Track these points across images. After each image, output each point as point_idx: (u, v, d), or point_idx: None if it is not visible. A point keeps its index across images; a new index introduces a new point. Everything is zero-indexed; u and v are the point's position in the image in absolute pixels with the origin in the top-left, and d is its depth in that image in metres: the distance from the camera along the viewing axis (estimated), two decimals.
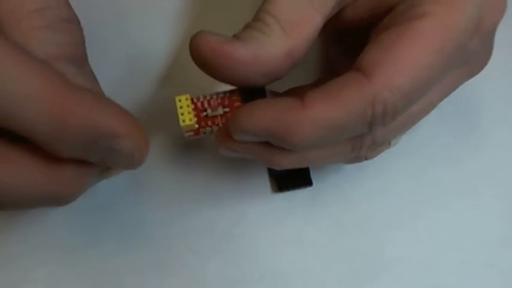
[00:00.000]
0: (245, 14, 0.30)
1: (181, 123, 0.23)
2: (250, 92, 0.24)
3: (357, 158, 0.25)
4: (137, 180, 0.29)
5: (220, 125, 0.24)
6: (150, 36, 0.31)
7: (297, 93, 0.24)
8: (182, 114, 0.23)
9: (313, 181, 0.29)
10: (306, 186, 0.29)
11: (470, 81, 0.27)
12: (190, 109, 0.24)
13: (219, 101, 0.24)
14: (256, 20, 0.23)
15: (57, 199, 0.20)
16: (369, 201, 0.29)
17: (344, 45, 0.28)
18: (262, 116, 0.21)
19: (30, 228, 0.28)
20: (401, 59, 0.21)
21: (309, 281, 0.28)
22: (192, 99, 0.24)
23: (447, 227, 0.29)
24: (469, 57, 0.23)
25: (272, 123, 0.21)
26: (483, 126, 0.31)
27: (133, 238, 0.28)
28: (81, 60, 0.22)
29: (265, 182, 0.29)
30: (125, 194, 0.29)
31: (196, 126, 0.24)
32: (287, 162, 0.24)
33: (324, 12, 0.22)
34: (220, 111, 0.24)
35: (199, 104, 0.24)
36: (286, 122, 0.21)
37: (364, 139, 0.24)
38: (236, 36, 0.22)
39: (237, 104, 0.24)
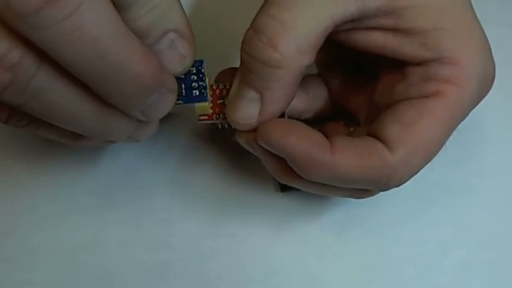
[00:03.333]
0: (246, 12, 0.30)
1: (200, 106, 0.24)
2: None
3: (359, 198, 0.26)
4: (138, 180, 0.29)
5: None
6: None
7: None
8: None
9: None
10: None
11: None
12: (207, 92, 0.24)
13: None
14: (259, 33, 0.22)
15: (135, 84, 0.20)
16: (372, 201, 0.29)
17: (328, 54, 0.28)
18: (294, 143, 0.22)
19: (30, 229, 0.28)
20: (420, 138, 0.23)
21: (312, 281, 0.28)
22: (211, 85, 0.24)
23: (450, 226, 0.29)
24: None
25: (300, 153, 0.22)
26: (485, 125, 0.31)
27: (133, 238, 0.28)
28: None
29: (268, 182, 0.29)
30: (125, 195, 0.29)
31: (211, 110, 0.24)
32: (295, 183, 0.25)
33: (336, 22, 0.22)
34: None
35: (217, 91, 0.25)
36: (311, 158, 0.22)
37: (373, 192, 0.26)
38: (251, 86, 0.23)
39: None
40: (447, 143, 0.24)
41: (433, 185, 0.29)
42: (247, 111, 0.23)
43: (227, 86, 0.24)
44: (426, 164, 0.24)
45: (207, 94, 0.23)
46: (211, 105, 0.24)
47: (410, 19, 0.23)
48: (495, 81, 0.32)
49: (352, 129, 0.27)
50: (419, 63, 0.23)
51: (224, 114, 0.24)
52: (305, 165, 0.22)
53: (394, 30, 0.23)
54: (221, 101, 0.25)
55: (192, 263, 0.28)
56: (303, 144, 0.22)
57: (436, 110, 0.23)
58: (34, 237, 0.28)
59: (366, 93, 0.26)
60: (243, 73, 0.23)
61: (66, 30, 0.17)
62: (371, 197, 0.29)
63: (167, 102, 0.22)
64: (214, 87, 0.25)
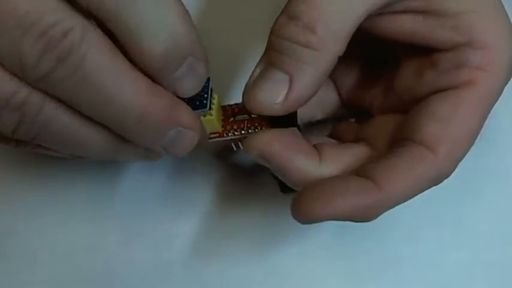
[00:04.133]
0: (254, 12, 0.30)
1: (206, 119, 0.23)
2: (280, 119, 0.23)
3: None
4: (137, 181, 0.29)
5: (245, 128, 0.23)
6: None
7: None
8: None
9: None
10: None
11: None
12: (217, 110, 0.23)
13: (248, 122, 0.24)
14: (295, 19, 0.21)
15: (145, 120, 0.20)
16: None
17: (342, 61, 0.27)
18: (343, 206, 0.21)
19: (31, 230, 0.28)
20: (460, 134, 0.22)
21: (313, 280, 0.28)
22: (223, 106, 0.24)
23: (450, 225, 0.29)
24: None
25: (352, 211, 0.21)
26: (485, 125, 0.31)
27: (134, 239, 0.28)
28: None
29: (269, 183, 0.29)
30: (126, 195, 0.29)
31: (221, 128, 0.24)
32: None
33: (369, 10, 0.22)
34: (246, 116, 0.24)
35: (229, 110, 0.24)
36: (365, 209, 0.21)
37: None
38: (280, 67, 0.22)
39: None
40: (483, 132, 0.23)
41: None
42: (271, 92, 0.21)
43: (240, 105, 0.24)
44: (465, 154, 0.23)
45: (207, 102, 0.22)
46: (222, 123, 0.24)
47: (442, 0, 0.22)
48: None
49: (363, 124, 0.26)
50: (450, 48, 0.23)
51: (236, 130, 0.23)
52: (360, 217, 0.22)
53: (424, 12, 0.22)
54: (232, 118, 0.24)
55: (192, 262, 0.28)
56: (350, 200, 0.21)
57: (470, 101, 0.22)
58: (34, 237, 0.28)
59: (381, 85, 0.26)
60: (271, 56, 0.22)
61: (71, 83, 0.18)
62: None
63: (187, 141, 0.21)
64: (227, 108, 0.24)
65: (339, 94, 0.28)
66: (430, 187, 0.23)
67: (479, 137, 0.30)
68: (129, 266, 0.28)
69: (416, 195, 0.22)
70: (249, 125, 0.23)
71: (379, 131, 0.25)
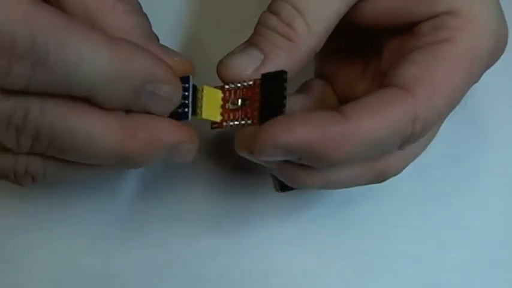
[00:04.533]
0: (249, 12, 0.30)
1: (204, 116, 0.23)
2: (271, 87, 0.22)
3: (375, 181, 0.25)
4: (138, 180, 0.29)
5: (239, 119, 0.23)
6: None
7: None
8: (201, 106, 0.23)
9: None
10: None
11: None
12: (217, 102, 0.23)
13: (243, 91, 0.23)
14: (275, 15, 0.23)
15: (129, 159, 0.21)
16: (372, 200, 0.29)
17: (328, 54, 0.27)
18: (301, 128, 0.20)
19: (31, 230, 0.28)
20: (439, 79, 0.21)
21: (312, 280, 0.27)
22: (223, 87, 0.23)
23: (450, 225, 0.29)
24: None
25: (312, 135, 0.20)
26: (486, 125, 0.31)
27: (133, 238, 0.28)
28: (158, 39, 0.24)
29: (268, 181, 0.29)
30: (126, 195, 0.29)
31: (220, 117, 0.23)
32: (313, 182, 0.23)
33: (348, 3, 0.23)
34: (238, 104, 0.23)
35: (227, 93, 0.23)
36: (328, 135, 0.20)
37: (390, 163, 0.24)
38: (257, 45, 0.23)
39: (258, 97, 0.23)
40: (467, 99, 0.23)
41: (433, 185, 0.29)
42: (244, 63, 0.23)
43: (241, 86, 0.23)
44: (447, 112, 0.22)
45: (188, 111, 0.22)
46: (221, 110, 0.23)
47: None
48: (495, 81, 0.32)
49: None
50: (429, 17, 0.23)
51: (233, 120, 0.23)
52: (327, 148, 0.20)
53: None
54: (228, 104, 0.23)
55: (192, 263, 0.28)
56: (315, 127, 0.20)
57: (450, 54, 0.22)
58: (34, 237, 0.28)
59: (370, 73, 0.26)
60: (252, 37, 0.23)
61: (53, 150, 0.20)
62: (371, 197, 0.29)
63: (184, 154, 0.22)
64: (225, 89, 0.23)
65: (336, 93, 0.28)
66: (406, 133, 0.21)
67: (479, 137, 0.31)
68: (129, 266, 0.27)
69: (391, 139, 0.21)
70: (242, 115, 0.23)
71: None
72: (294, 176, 0.23)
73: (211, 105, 0.23)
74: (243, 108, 0.23)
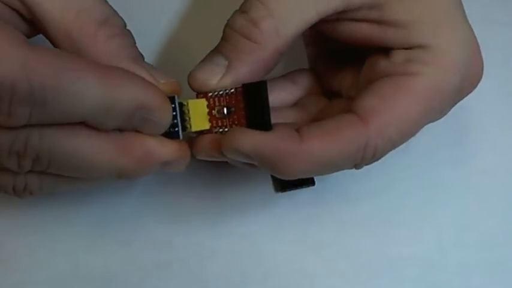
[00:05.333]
0: None
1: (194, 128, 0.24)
2: (252, 91, 0.23)
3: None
4: (138, 181, 0.29)
5: (228, 126, 0.24)
6: (151, 36, 0.31)
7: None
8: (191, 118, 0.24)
9: (316, 181, 0.29)
10: (308, 186, 0.29)
11: None
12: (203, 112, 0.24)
13: (227, 99, 0.24)
14: (244, 13, 0.23)
15: (124, 175, 0.22)
16: (372, 200, 0.29)
17: (322, 48, 0.29)
18: (260, 141, 0.22)
19: (31, 230, 0.28)
20: (395, 112, 0.23)
21: (313, 280, 0.27)
22: (208, 97, 0.24)
23: (450, 225, 0.29)
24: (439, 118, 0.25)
25: (269, 150, 0.22)
26: (485, 125, 0.31)
27: (134, 239, 0.28)
28: (143, 57, 0.25)
29: (268, 182, 0.29)
30: (126, 195, 0.29)
31: (209, 124, 0.24)
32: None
33: (321, 14, 0.23)
34: (224, 112, 0.24)
35: (211, 101, 0.24)
36: (282, 153, 0.22)
37: None
38: (222, 52, 0.24)
39: (242, 105, 0.24)
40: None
41: (433, 185, 0.29)
42: (208, 72, 0.23)
43: (223, 94, 0.24)
44: (401, 142, 0.23)
45: (179, 131, 0.23)
46: (208, 117, 0.24)
47: (394, 12, 0.23)
48: (495, 81, 0.32)
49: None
50: (403, 48, 0.24)
51: (221, 126, 0.24)
52: (277, 162, 0.22)
53: (379, 22, 0.24)
54: (214, 112, 0.24)
55: (192, 262, 0.28)
56: (269, 140, 0.22)
57: (415, 87, 0.23)
58: (34, 237, 0.28)
59: (351, 72, 0.27)
60: (219, 44, 0.24)
61: (53, 169, 0.22)
62: (371, 197, 0.29)
63: (176, 167, 0.23)
64: (208, 97, 0.24)
65: (321, 86, 0.28)
66: (357, 158, 0.23)
67: (479, 137, 0.31)
68: (129, 266, 0.27)
69: (342, 161, 0.23)
70: (230, 122, 0.24)
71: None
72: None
73: (199, 116, 0.24)
74: (230, 116, 0.24)
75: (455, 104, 0.25)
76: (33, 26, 0.23)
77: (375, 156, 0.23)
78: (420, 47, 0.23)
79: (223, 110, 0.24)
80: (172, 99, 0.23)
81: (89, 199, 0.29)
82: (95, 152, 0.21)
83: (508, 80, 0.32)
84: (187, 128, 0.24)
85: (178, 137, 0.23)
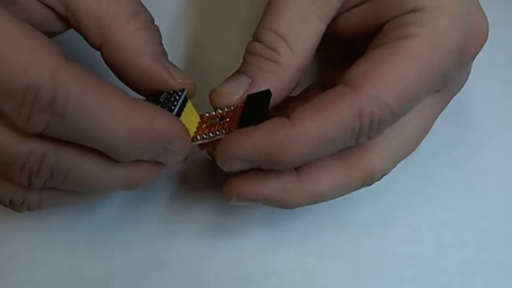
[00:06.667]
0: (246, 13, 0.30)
1: None
2: (253, 108, 0.23)
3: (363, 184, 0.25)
4: None
5: (214, 132, 0.24)
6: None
7: (285, 108, 0.26)
8: None
9: None
10: None
11: (471, 80, 0.27)
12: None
13: (223, 113, 0.24)
14: (259, 42, 0.24)
15: (132, 185, 0.24)
16: (372, 200, 0.29)
17: (329, 55, 0.29)
18: (251, 138, 0.22)
19: (31, 230, 0.28)
20: (389, 75, 0.22)
21: (313, 280, 0.27)
22: (201, 115, 0.25)
23: (450, 225, 0.29)
24: (449, 82, 0.24)
25: (262, 143, 0.21)
26: (485, 125, 0.31)
27: (134, 239, 0.28)
28: (167, 55, 0.25)
29: None
30: (126, 195, 0.29)
31: (194, 134, 0.24)
32: (298, 198, 0.24)
33: (326, 20, 0.24)
34: (217, 120, 0.24)
35: (205, 118, 0.25)
36: (276, 140, 0.21)
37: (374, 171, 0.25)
38: (244, 72, 0.24)
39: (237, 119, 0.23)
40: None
41: (433, 185, 0.29)
42: (233, 88, 0.24)
43: (222, 111, 0.24)
44: (402, 108, 0.22)
45: (174, 112, 0.23)
46: (196, 129, 0.24)
47: None
48: (495, 81, 0.32)
49: None
50: (397, 16, 0.23)
51: (205, 134, 0.24)
52: (274, 151, 0.21)
53: (370, 0, 0.24)
54: (205, 125, 0.24)
55: (192, 262, 0.28)
56: (259, 133, 0.21)
57: (409, 49, 0.22)
58: (34, 237, 0.28)
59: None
60: (241, 66, 0.25)
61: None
62: (371, 197, 0.29)
63: (176, 149, 0.23)
64: (204, 116, 0.25)
65: None
66: (354, 129, 0.22)
67: (481, 135, 0.31)
68: (129, 266, 0.27)
69: (339, 135, 0.22)
70: (218, 128, 0.24)
71: None
72: (282, 198, 0.24)
73: (189, 120, 0.24)
74: (220, 123, 0.24)
75: (463, 67, 0.24)
76: (66, 22, 0.24)
77: (374, 125, 0.22)
78: (414, 10, 0.23)
79: (216, 119, 0.24)
80: (181, 92, 0.24)
81: (89, 201, 0.29)
82: (111, 176, 0.22)
83: (509, 80, 0.32)
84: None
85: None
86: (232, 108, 0.24)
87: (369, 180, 0.25)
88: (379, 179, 0.25)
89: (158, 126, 0.21)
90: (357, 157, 0.24)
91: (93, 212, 0.28)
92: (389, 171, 0.25)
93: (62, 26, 0.24)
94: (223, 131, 0.23)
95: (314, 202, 0.24)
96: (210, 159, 0.26)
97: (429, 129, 0.26)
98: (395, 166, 0.25)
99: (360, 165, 0.24)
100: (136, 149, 0.21)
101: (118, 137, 0.21)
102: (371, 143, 0.24)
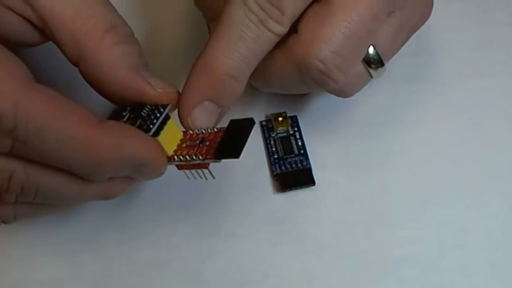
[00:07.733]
0: None
1: None
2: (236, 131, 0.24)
3: (327, 82, 0.25)
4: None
5: (191, 155, 0.24)
6: (150, 37, 0.31)
7: None
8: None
9: (316, 180, 0.29)
10: (308, 186, 0.29)
11: (471, 79, 0.27)
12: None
13: (206, 135, 0.24)
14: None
15: (108, 197, 0.24)
16: (372, 200, 0.29)
17: None
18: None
19: (31, 230, 0.28)
20: (329, 12, 0.23)
21: (312, 281, 0.27)
22: (184, 132, 0.25)
23: (451, 226, 0.29)
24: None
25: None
26: (486, 125, 0.31)
27: (134, 238, 0.28)
28: (147, 65, 0.25)
29: (268, 181, 0.29)
30: (126, 195, 0.29)
31: (171, 152, 0.24)
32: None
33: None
34: (197, 142, 0.24)
35: (188, 136, 0.25)
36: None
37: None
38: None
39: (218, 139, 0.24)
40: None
41: (433, 185, 0.29)
42: (210, 121, 0.25)
43: (205, 132, 0.24)
44: (359, 36, 0.23)
45: (153, 129, 0.23)
46: (175, 148, 0.24)
47: None
48: (495, 81, 0.32)
49: None
50: None
51: (183, 156, 0.24)
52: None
53: None
54: (185, 144, 0.24)
55: (191, 262, 0.28)
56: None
57: None
58: (34, 237, 0.28)
59: None
60: (206, 91, 0.25)
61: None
62: (371, 197, 0.29)
63: (150, 170, 0.23)
64: (187, 133, 0.25)
65: None
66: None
67: (479, 137, 0.31)
68: (129, 266, 0.27)
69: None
70: (196, 152, 0.24)
71: None
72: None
73: (170, 137, 0.24)
74: (199, 147, 0.24)
75: None
76: (43, 34, 0.24)
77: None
78: None
79: (196, 140, 0.24)
80: (164, 107, 0.23)
81: (89, 201, 0.28)
82: (83, 188, 0.22)
83: (509, 80, 0.32)
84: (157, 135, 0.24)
85: (149, 131, 0.23)
86: (215, 130, 0.24)
87: (303, 66, 0.24)
88: (317, 66, 0.24)
89: (128, 150, 0.21)
90: (289, 44, 0.24)
91: (93, 211, 0.28)
92: (325, 57, 0.24)
93: (41, 38, 0.24)
94: (200, 157, 0.23)
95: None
96: (188, 178, 0.25)
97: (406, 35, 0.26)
98: (335, 52, 0.24)
99: (291, 50, 0.24)
100: (104, 172, 0.21)
101: (82, 161, 0.21)
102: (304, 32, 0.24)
